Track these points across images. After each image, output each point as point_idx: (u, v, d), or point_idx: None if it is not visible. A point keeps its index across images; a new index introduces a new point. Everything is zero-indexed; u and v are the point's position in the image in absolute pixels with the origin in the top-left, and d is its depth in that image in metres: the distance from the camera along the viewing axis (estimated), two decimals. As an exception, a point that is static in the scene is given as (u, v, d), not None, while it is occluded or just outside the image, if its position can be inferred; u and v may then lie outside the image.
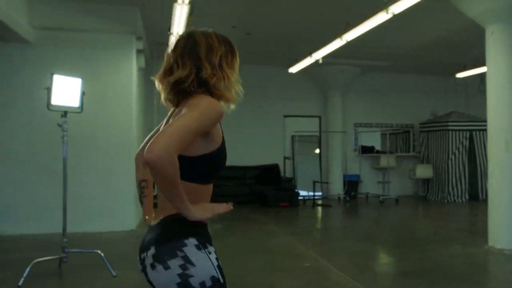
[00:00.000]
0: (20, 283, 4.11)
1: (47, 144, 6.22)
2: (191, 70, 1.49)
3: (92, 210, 6.69)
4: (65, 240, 4.57)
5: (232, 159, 11.36)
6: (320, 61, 8.03)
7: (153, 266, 1.40)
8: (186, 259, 1.37)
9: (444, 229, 7.65)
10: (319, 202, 10.41)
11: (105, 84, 6.85)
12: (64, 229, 4.62)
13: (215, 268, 1.41)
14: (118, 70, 6.96)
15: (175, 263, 1.37)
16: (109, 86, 6.88)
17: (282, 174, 11.19)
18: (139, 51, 7.45)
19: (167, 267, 1.37)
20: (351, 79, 11.52)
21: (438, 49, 9.49)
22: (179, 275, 1.36)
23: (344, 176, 11.52)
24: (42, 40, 6.61)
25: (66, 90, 4.62)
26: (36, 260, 4.38)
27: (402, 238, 6.83)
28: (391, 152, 11.55)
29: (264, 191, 10.17)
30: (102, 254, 4.64)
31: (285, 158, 11.31)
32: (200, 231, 1.47)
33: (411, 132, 12.46)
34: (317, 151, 11.61)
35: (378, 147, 11.96)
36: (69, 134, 4.64)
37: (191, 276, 1.36)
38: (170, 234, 1.42)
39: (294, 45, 8.56)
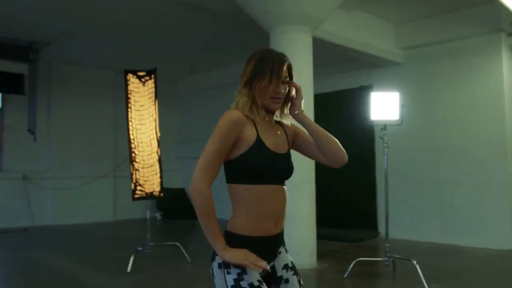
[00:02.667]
0: (345, 276, 4.78)
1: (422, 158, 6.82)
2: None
3: (464, 223, 6.47)
4: (388, 245, 4.85)
5: None
6: None
7: None
8: (212, 270, 1.72)
9: None
10: None
11: (473, 90, 6.50)
12: (387, 234, 4.92)
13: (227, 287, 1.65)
14: (486, 74, 6.42)
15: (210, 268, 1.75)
16: (478, 92, 6.47)
17: None
18: (516, 48, 6.56)
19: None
20: None
21: None
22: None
23: None
24: (410, 59, 7.08)
25: (385, 105, 4.93)
26: (359, 259, 4.93)
27: None
28: None
29: None
30: (417, 265, 4.58)
31: None
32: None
33: None
34: None
35: None
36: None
37: (215, 285, 1.73)
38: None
39: None
